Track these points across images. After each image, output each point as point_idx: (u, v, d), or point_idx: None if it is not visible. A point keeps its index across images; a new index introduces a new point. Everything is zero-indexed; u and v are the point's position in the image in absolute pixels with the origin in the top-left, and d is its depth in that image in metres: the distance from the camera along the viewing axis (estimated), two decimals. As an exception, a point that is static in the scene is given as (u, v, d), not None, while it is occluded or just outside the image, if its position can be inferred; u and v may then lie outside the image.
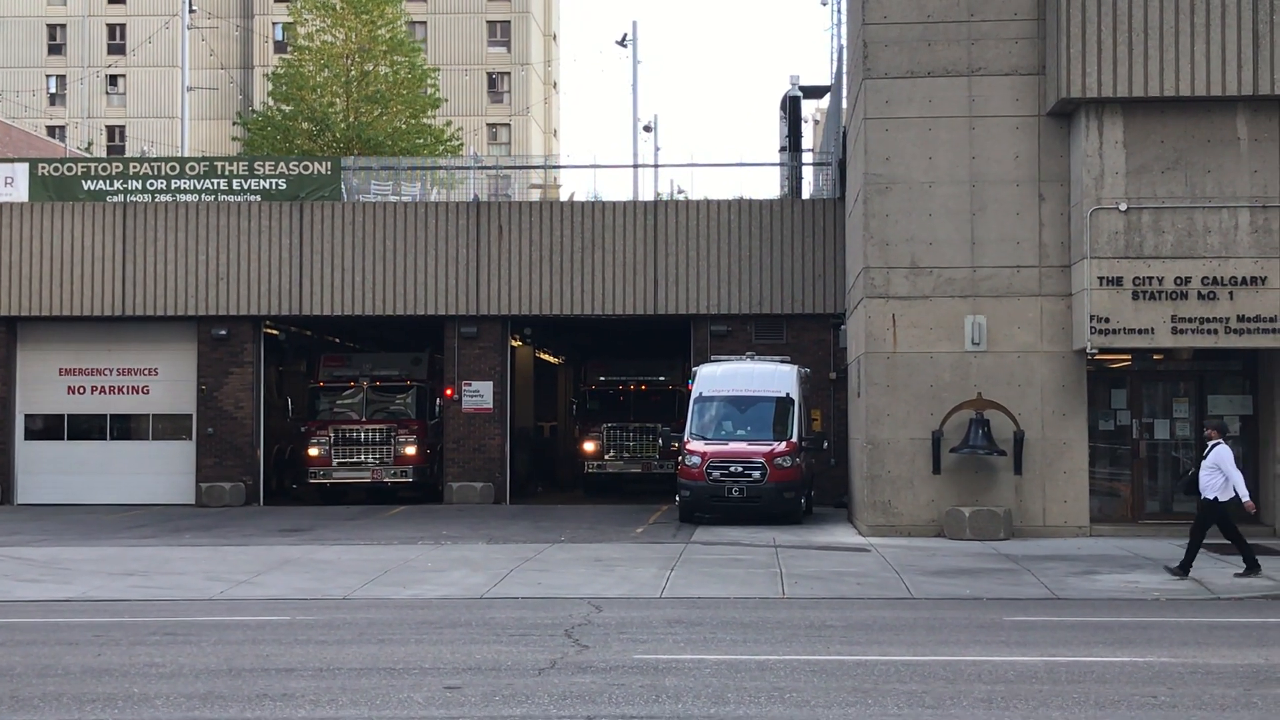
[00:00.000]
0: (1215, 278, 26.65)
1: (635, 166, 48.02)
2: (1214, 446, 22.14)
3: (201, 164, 40.16)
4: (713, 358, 34.92)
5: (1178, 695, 13.02)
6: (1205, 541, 26.53)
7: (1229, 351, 27.67)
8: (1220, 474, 21.95)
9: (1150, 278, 26.71)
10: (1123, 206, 26.86)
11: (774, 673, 13.99)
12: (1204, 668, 14.36)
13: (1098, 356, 27.56)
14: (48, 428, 38.97)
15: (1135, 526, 28.15)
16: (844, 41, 36.84)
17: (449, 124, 63.08)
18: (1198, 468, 22.51)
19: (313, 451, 38.52)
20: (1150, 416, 29.00)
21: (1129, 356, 28.45)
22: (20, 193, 38.86)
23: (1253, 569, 21.82)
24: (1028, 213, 28.08)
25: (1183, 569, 21.86)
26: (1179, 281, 26.70)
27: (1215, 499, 21.97)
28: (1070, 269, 27.83)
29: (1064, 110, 27.67)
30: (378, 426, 38.69)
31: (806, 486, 32.31)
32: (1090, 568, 23.23)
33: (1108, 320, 26.70)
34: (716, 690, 13.12)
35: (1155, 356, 28.59)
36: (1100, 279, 26.73)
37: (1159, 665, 14.50)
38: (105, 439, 38.95)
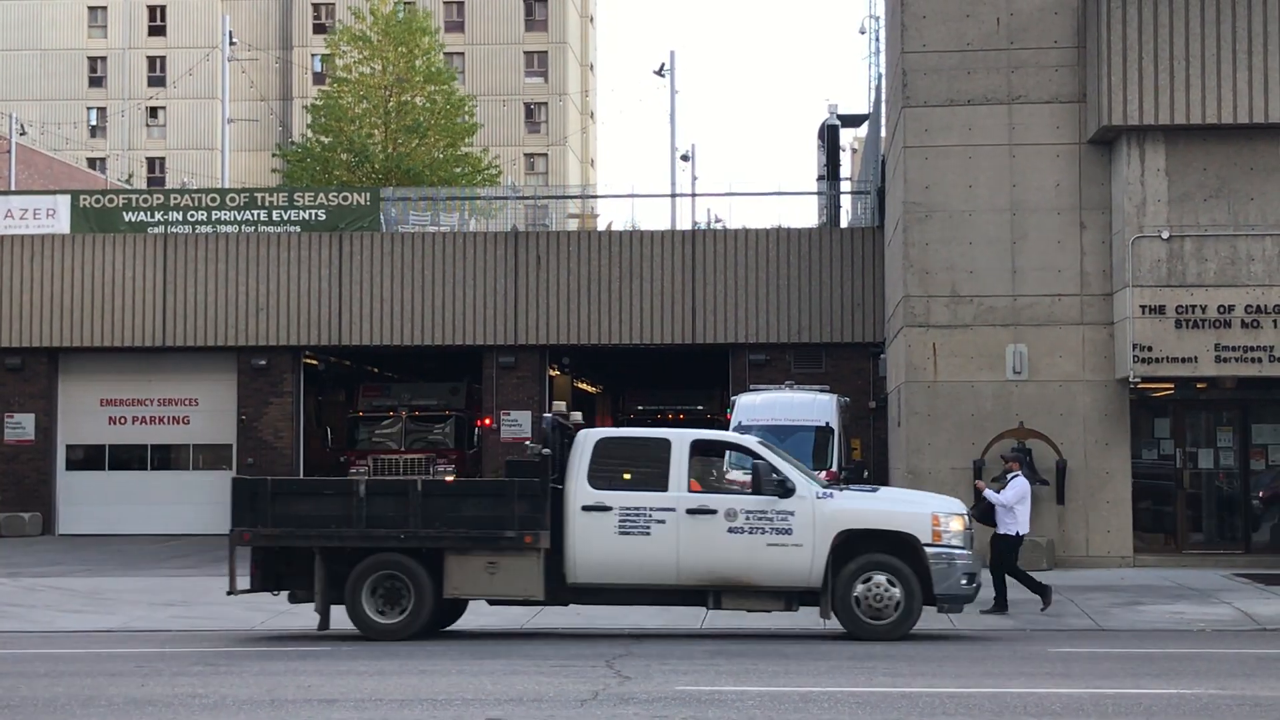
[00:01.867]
0: (1259, 306, 26.47)
1: (673, 196, 48.02)
2: (1013, 479, 21.66)
3: (241, 195, 40.42)
4: (751, 387, 34.81)
5: (1227, 728, 12.86)
6: (1246, 572, 26.33)
7: (1273, 380, 27.44)
8: (1021, 507, 21.43)
9: (1193, 306, 26.55)
10: (1165, 234, 26.73)
11: (817, 704, 13.88)
12: (1252, 699, 14.18)
13: (1141, 385, 27.37)
14: (89, 458, 39.16)
15: (1179, 557, 27.90)
16: (882, 70, 36.84)
17: (486, 152, 63.31)
18: (979, 501, 21.89)
19: (352, 481, 38.53)
20: (1194, 446, 28.76)
21: (1172, 385, 28.25)
22: (62, 224, 39.14)
23: (1001, 607, 21.16)
24: (1069, 241, 27.95)
25: (1039, 594, 21.21)
26: (1222, 310, 26.53)
27: (1017, 533, 21.49)
28: (1112, 297, 27.68)
29: (1105, 138, 27.55)
30: (416, 456, 38.75)
31: (846, 516, 32.09)
32: (1134, 598, 23.03)
33: (1150, 349, 26.54)
34: (760, 722, 13.03)
35: (1199, 385, 28.38)
36: (1143, 307, 26.58)
37: (1206, 697, 14.32)
38: (146, 469, 39.14)
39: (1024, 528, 21.56)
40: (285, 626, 20.64)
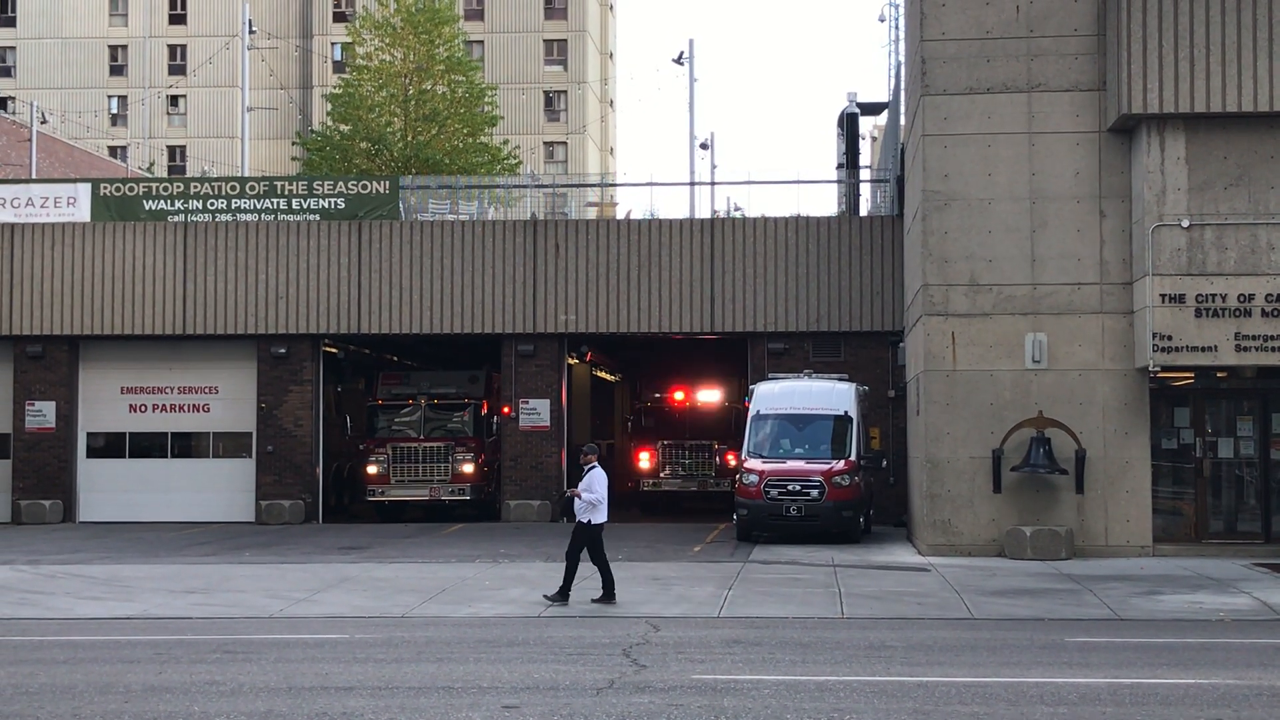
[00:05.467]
0: (1279, 295, 26.35)
1: (692, 184, 48.01)
2: (590, 470, 21.72)
3: (261, 184, 40.47)
4: (770, 375, 34.80)
5: (1243, 717, 12.83)
6: (1266, 562, 26.26)
7: (1293, 369, 27.32)
8: (594, 497, 21.53)
9: (1213, 295, 26.45)
10: (1185, 223, 26.62)
11: (833, 693, 13.89)
12: (1270, 689, 14.16)
13: (1160, 374, 27.29)
14: (109, 446, 39.27)
15: (1199, 546, 27.82)
16: (902, 58, 36.71)
17: (506, 142, 63.28)
18: (572, 492, 22.05)
19: (371, 469, 38.66)
20: (1214, 435, 28.66)
21: (1192, 374, 28.16)
22: (83, 213, 39.24)
23: (609, 598, 21.25)
24: (1088, 229, 27.87)
25: (562, 595, 21.26)
26: (1242, 299, 26.43)
27: (589, 521, 21.52)
28: (1132, 286, 27.59)
29: (1125, 126, 27.46)
30: (435, 444, 38.77)
31: (865, 505, 32.14)
32: (1153, 588, 22.99)
33: (1170, 338, 26.45)
34: (775, 711, 13.04)
35: (1219, 374, 28.27)
36: (1162, 296, 26.49)
37: (1224, 687, 14.30)
38: (166, 457, 39.23)
39: (598, 517, 21.62)
40: (305, 613, 20.70)
